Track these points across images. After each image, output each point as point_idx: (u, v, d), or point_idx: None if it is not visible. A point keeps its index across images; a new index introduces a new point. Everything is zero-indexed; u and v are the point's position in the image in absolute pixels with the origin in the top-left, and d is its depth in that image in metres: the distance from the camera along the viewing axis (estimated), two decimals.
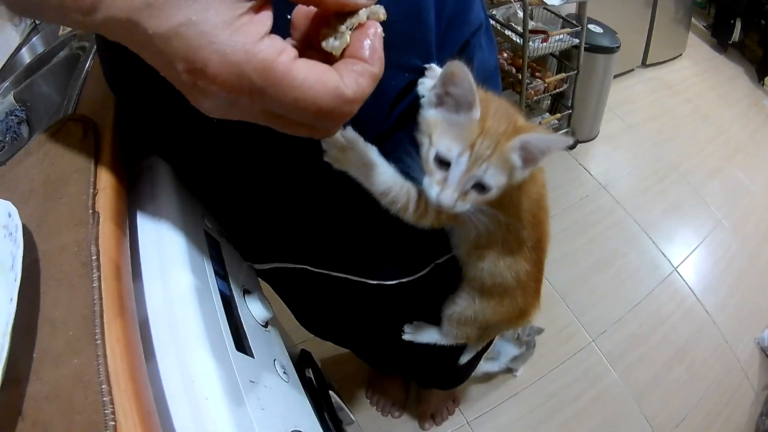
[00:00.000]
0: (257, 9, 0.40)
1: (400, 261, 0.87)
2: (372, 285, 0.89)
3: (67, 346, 0.43)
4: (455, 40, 0.71)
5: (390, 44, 0.53)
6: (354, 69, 0.43)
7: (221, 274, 0.70)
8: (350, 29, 0.45)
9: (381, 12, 0.47)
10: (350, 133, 0.63)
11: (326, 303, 1.08)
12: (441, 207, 0.61)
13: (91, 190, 0.54)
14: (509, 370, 2.03)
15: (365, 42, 0.44)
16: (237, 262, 0.80)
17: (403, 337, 1.06)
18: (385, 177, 0.66)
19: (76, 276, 0.47)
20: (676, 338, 2.19)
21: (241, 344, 0.61)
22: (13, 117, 1.19)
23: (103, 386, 0.40)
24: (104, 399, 0.39)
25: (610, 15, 2.87)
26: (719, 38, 4.05)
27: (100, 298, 0.45)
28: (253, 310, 0.72)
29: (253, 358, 0.62)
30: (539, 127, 0.61)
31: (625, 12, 3.21)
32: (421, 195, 0.69)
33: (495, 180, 0.60)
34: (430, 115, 0.62)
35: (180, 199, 0.68)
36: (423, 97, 0.64)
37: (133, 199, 0.65)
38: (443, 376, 1.60)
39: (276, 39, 0.40)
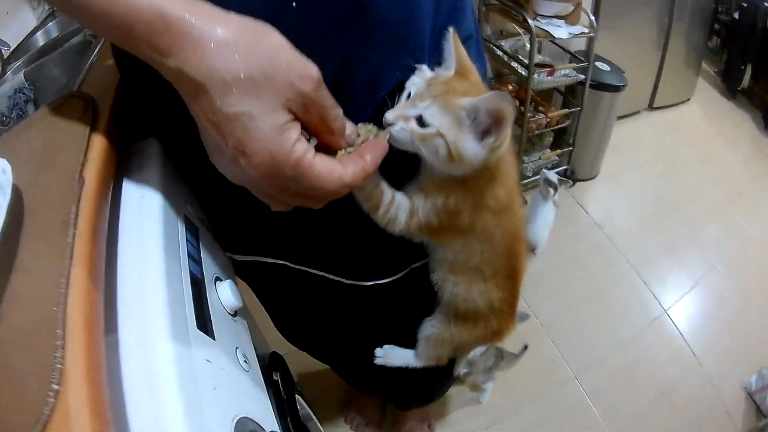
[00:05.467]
0: (294, 119, 0.51)
1: (377, 262, 0.89)
2: (348, 285, 0.90)
3: (34, 293, 0.46)
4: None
5: (386, 45, 0.65)
6: (355, 164, 0.56)
7: (195, 257, 0.70)
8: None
9: (382, 133, 0.63)
10: None
11: (302, 302, 1.09)
12: (385, 122, 0.64)
13: (82, 159, 0.58)
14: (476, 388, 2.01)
15: (369, 152, 0.58)
16: (214, 250, 0.80)
17: (374, 361, 1.07)
18: None
19: (54, 233, 0.50)
20: (661, 379, 2.17)
21: (204, 325, 0.61)
22: (21, 95, 1.23)
23: (58, 331, 0.42)
24: (57, 342, 0.42)
25: (619, 54, 2.88)
26: (728, 84, 4.08)
27: (71, 255, 0.48)
28: (223, 296, 0.72)
29: (214, 340, 0.62)
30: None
31: (635, 52, 3.23)
32: (393, 199, 0.71)
33: (434, 119, 0.62)
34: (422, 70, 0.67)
35: (165, 181, 0.71)
36: (409, 92, 0.67)
37: (121, 173, 0.68)
38: (419, 391, 1.60)
39: (303, 141, 0.52)
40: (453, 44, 0.66)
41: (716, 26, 3.99)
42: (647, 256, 2.67)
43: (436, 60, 0.70)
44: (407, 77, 0.68)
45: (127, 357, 0.50)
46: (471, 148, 0.63)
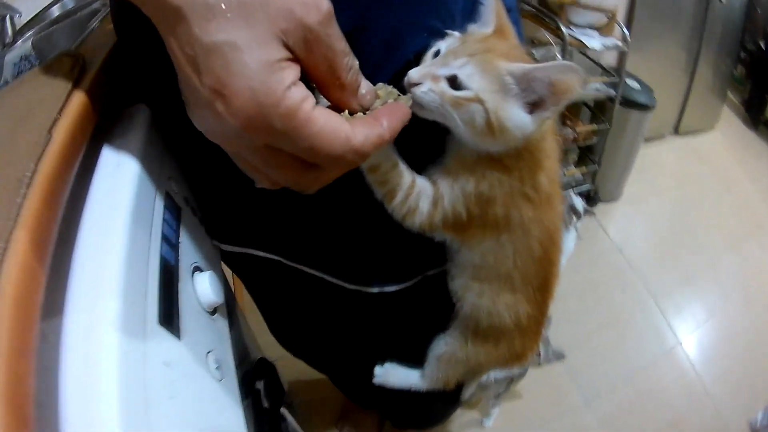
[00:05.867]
0: (293, 59, 0.41)
1: (386, 265, 0.77)
2: (350, 290, 0.78)
3: None
4: None
5: (413, 1, 0.54)
6: (369, 127, 0.45)
7: (171, 240, 0.61)
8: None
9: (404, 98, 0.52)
10: None
11: (298, 306, 0.97)
12: (408, 82, 0.53)
13: (55, 115, 0.54)
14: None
15: (386, 116, 0.47)
16: (198, 236, 0.70)
17: (373, 380, 0.95)
18: (383, 150, 0.58)
19: (6, 191, 0.45)
20: (670, 411, 2.09)
21: (169, 320, 0.52)
22: (26, 62, 1.19)
23: None
24: None
25: (647, 75, 2.79)
26: (752, 114, 4.00)
27: (16, 217, 0.43)
28: (200, 289, 0.62)
29: (179, 339, 0.52)
30: None
31: (663, 75, 3.14)
32: (413, 184, 0.60)
33: (471, 81, 0.52)
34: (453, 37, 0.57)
35: (148, 150, 0.63)
36: (438, 50, 0.56)
37: (103, 137, 0.62)
38: (421, 415, 1.47)
39: (301, 86, 0.41)
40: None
41: (742, 54, 3.90)
42: (665, 284, 2.60)
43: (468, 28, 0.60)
44: (434, 43, 0.57)
45: (69, 347, 0.42)
46: (517, 119, 0.52)
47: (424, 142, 0.60)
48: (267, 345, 1.16)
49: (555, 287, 0.71)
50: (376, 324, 0.93)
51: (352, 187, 0.59)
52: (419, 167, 0.62)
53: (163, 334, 0.50)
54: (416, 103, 0.52)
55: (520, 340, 0.76)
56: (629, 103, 2.59)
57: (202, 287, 0.62)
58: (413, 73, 0.53)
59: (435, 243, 0.66)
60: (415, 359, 0.91)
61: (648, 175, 3.22)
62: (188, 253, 0.64)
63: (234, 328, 0.85)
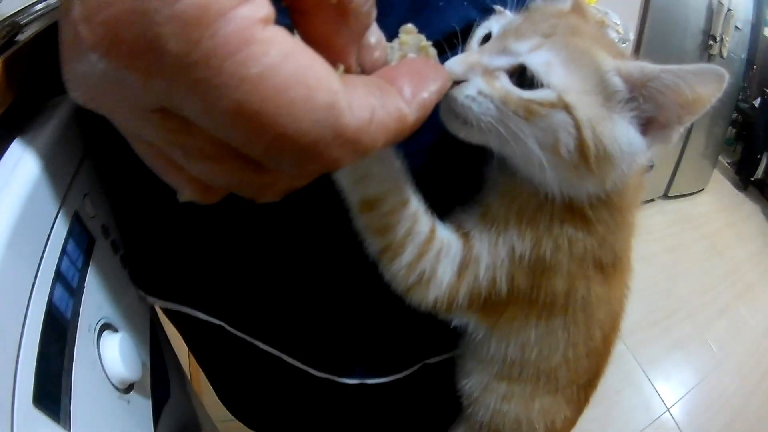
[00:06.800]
0: None
1: (371, 349, 0.55)
2: (319, 378, 0.57)
3: None
4: None
5: None
6: (371, 91, 0.25)
7: (70, 283, 0.42)
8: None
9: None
10: None
11: (250, 381, 0.72)
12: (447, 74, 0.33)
13: None
14: None
15: (410, 78, 0.27)
16: (116, 282, 0.50)
17: None
18: (388, 173, 0.38)
19: None
20: None
21: (51, 400, 0.35)
22: None
23: None
24: None
25: None
26: (741, 175, 4.09)
27: None
28: (107, 358, 0.43)
29: (66, 430, 0.35)
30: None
31: None
32: (432, 235, 0.41)
33: (551, 74, 0.33)
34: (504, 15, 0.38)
35: (59, 153, 0.46)
36: (488, 33, 0.38)
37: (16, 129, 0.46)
38: None
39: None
40: None
41: (734, 115, 4.00)
42: (654, 352, 2.56)
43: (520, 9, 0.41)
44: (479, 21, 0.40)
45: None
46: (625, 140, 0.35)
47: (451, 170, 0.42)
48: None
49: (601, 379, 0.53)
50: (351, 419, 0.69)
51: (330, 233, 0.41)
52: (441, 209, 0.43)
53: (40, 420, 0.34)
54: (452, 115, 0.34)
55: None
56: None
57: (111, 356, 0.43)
58: (453, 64, 0.34)
59: (444, 323, 0.47)
60: None
61: (637, 240, 3.18)
62: (96, 303, 0.44)
63: (171, 411, 0.64)
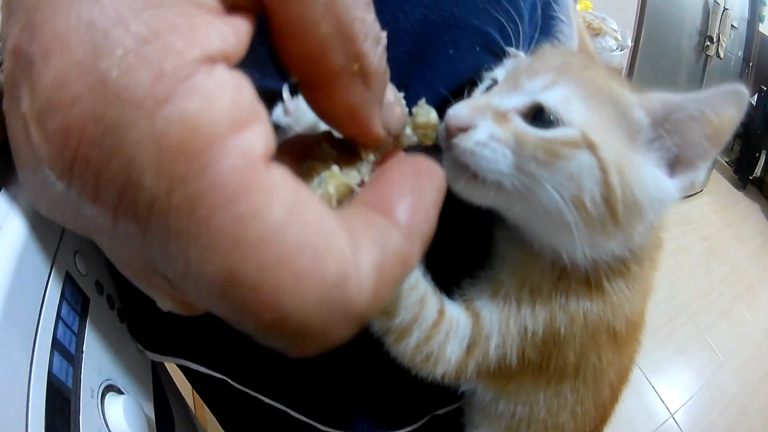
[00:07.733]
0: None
1: (378, 403, 0.53)
2: None
3: None
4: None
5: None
6: (376, 235, 0.21)
7: (68, 350, 0.40)
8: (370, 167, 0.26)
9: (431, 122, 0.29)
10: None
11: (256, 428, 0.68)
12: (447, 122, 0.31)
13: None
14: None
15: (402, 195, 0.23)
16: (115, 340, 0.49)
17: None
18: None
19: None
20: None
21: None
22: None
23: None
24: None
25: None
26: (740, 174, 4.08)
27: None
28: (112, 423, 0.41)
29: None
30: None
31: None
32: (441, 317, 0.39)
33: (570, 110, 0.30)
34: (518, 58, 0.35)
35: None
36: (495, 79, 0.35)
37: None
38: None
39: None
40: (571, 10, 0.37)
41: None
42: (657, 358, 2.55)
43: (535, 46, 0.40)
44: (489, 65, 0.37)
45: None
46: (652, 184, 0.32)
47: (457, 240, 0.39)
48: None
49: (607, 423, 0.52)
50: None
51: None
52: (449, 277, 0.41)
53: None
54: (458, 169, 0.31)
55: None
56: None
57: (115, 419, 0.41)
58: (458, 109, 0.31)
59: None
60: None
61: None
62: (96, 366, 0.43)
63: None
